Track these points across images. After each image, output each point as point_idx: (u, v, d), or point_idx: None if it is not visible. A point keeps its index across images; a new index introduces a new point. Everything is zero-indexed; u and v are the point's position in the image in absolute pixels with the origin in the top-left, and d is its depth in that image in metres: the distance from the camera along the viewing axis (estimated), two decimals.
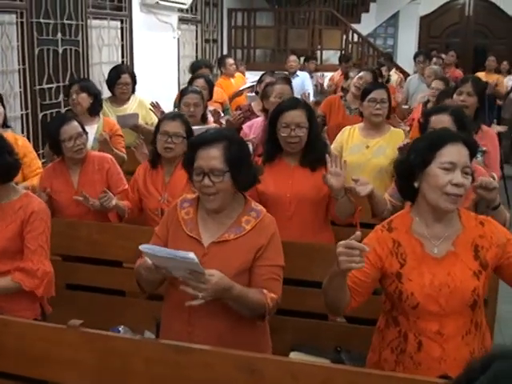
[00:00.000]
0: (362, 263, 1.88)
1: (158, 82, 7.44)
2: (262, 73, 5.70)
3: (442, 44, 12.79)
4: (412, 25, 13.18)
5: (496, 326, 3.91)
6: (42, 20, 5.49)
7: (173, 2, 7.86)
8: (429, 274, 2.09)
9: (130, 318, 3.13)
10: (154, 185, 3.47)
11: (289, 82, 4.25)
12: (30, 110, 5.44)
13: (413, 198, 2.20)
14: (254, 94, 5.33)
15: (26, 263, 2.63)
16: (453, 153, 2.06)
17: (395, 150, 3.64)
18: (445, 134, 2.17)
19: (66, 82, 5.84)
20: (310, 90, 8.27)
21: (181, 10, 8.58)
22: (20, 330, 2.24)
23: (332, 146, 3.86)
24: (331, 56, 11.68)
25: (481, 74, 9.13)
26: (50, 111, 5.74)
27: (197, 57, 9.67)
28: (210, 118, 4.81)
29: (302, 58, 9.82)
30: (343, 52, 10.92)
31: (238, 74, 7.88)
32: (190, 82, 5.25)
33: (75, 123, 3.51)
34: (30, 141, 4.85)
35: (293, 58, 8.29)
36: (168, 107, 4.89)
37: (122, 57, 7.29)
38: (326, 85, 8.64)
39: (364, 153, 3.79)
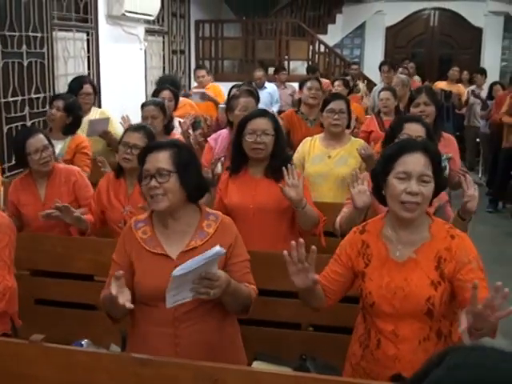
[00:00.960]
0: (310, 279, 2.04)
1: (125, 93, 7.43)
2: (230, 83, 5.73)
3: (408, 54, 12.96)
4: (378, 35, 13.35)
5: None
6: (6, 32, 5.46)
7: (139, 13, 7.85)
8: (388, 276, 2.16)
9: (97, 331, 3.11)
10: (116, 197, 3.45)
11: (253, 95, 4.29)
12: None
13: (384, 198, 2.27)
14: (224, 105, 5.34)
15: None
16: (408, 162, 2.11)
17: (357, 160, 3.70)
18: (404, 144, 2.24)
19: (32, 95, 5.81)
20: (279, 101, 8.34)
21: (147, 22, 8.58)
22: None
23: (294, 157, 3.90)
24: (299, 66, 11.77)
25: (442, 84, 9.32)
26: (15, 124, 5.70)
27: (164, 68, 9.68)
28: (178, 130, 4.81)
29: (272, 69, 9.90)
30: (310, 63, 11.05)
31: (211, 85, 7.88)
32: (155, 94, 5.24)
33: (41, 136, 3.50)
34: None
35: (259, 72, 8.31)
36: (136, 119, 4.88)
37: (88, 69, 7.26)
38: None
39: (326, 163, 3.85)
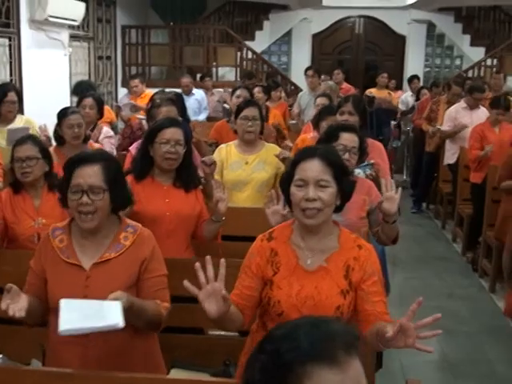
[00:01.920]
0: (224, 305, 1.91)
1: (49, 100, 7.24)
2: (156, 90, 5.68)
3: (334, 60, 13.19)
4: (305, 42, 13.51)
5: None
6: None
7: (63, 18, 7.69)
8: (298, 284, 2.14)
9: (16, 346, 3.01)
10: (23, 211, 3.33)
11: (175, 103, 4.26)
12: None
13: None
14: (143, 117, 5.26)
15: None
16: (304, 169, 2.13)
17: (273, 165, 3.76)
18: (301, 153, 2.24)
19: None
20: (208, 107, 8.34)
21: (72, 27, 8.44)
22: None
23: None
24: (227, 73, 11.83)
25: (372, 90, 9.54)
26: None
27: (90, 74, 9.53)
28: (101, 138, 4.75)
29: (199, 75, 9.90)
30: (238, 69, 11.13)
31: (147, 93, 7.74)
32: (79, 103, 5.12)
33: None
34: None
35: (186, 79, 8.29)
36: None
37: (11, 75, 7.07)
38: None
39: (244, 169, 3.89)
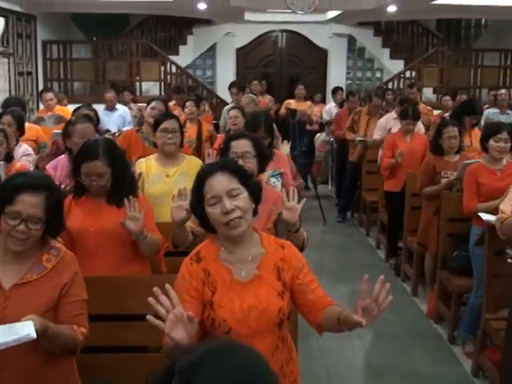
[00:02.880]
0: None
1: None
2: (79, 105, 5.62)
3: (259, 74, 13.32)
4: (229, 56, 13.61)
5: (314, 336, 4.14)
6: None
7: None
8: (238, 299, 2.14)
9: None
10: None
11: (91, 120, 4.19)
12: None
13: (213, 228, 2.22)
14: (58, 131, 5.16)
15: None
16: (212, 186, 2.13)
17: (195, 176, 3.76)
18: (203, 172, 2.23)
19: None
20: (131, 122, 8.27)
21: None
22: None
23: None
24: (151, 87, 11.79)
25: (292, 102, 9.69)
26: None
27: (10, 90, 9.30)
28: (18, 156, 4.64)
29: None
30: (162, 83, 11.11)
31: (59, 108, 7.63)
32: None
33: None
34: None
35: (109, 94, 8.21)
36: None
37: None
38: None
39: (166, 182, 3.85)
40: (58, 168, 4.00)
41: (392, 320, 5.12)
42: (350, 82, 14.21)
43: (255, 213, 2.26)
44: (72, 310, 2.27)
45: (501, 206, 3.31)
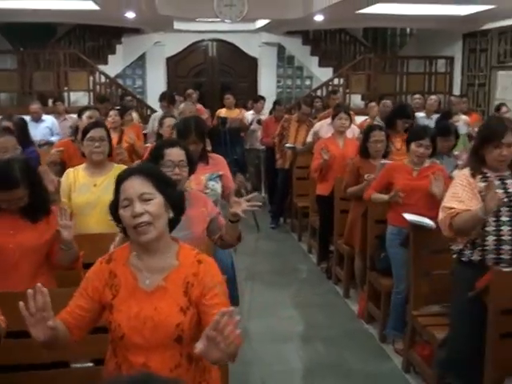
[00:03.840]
0: None
1: None
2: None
3: (190, 83, 13.26)
4: (159, 65, 13.53)
5: (247, 342, 4.16)
6: None
7: None
8: (137, 306, 2.12)
9: None
10: None
11: (12, 132, 4.08)
12: None
13: None
14: None
15: None
16: (126, 189, 2.14)
17: None
18: (121, 175, 2.23)
19: None
20: (60, 134, 8.12)
21: None
22: None
23: (61, 189, 3.86)
24: (80, 97, 11.61)
25: (223, 110, 9.73)
26: None
27: None
28: None
29: (51, 101, 9.62)
30: (91, 93, 10.96)
31: None
32: None
33: None
34: None
35: (35, 105, 8.06)
36: None
37: None
38: None
39: (93, 191, 3.80)
40: None
41: (324, 322, 5.20)
42: (280, 89, 14.37)
43: (177, 222, 2.25)
44: None
45: (445, 204, 3.42)
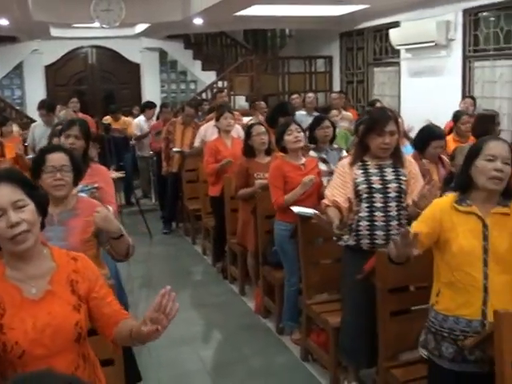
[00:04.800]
0: None
1: None
2: None
3: (70, 91, 12.88)
4: (38, 74, 13.11)
5: (143, 348, 4.11)
6: None
7: None
8: (30, 318, 2.03)
9: None
10: None
11: None
12: None
13: None
14: None
15: None
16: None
17: None
18: None
19: None
20: None
21: None
22: None
23: None
24: None
25: (108, 117, 9.59)
26: None
27: None
28: None
29: None
30: None
31: None
32: None
33: None
34: None
35: None
36: None
37: None
38: None
39: None
40: None
41: (222, 321, 5.23)
42: (165, 95, 14.32)
43: (42, 226, 2.15)
44: None
45: (326, 192, 3.59)
